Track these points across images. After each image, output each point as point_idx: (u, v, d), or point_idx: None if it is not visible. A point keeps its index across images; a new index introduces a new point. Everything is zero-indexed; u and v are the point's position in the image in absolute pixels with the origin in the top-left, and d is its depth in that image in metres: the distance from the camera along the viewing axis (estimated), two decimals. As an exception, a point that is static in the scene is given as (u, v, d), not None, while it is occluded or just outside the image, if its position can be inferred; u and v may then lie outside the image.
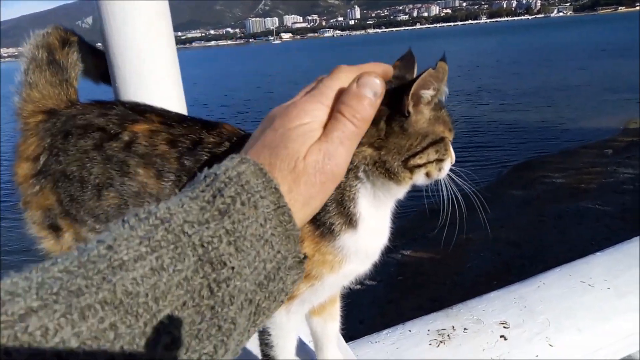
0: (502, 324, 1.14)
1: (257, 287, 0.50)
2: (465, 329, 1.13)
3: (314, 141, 0.58)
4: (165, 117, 0.82)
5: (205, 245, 0.46)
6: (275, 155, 0.56)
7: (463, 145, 15.59)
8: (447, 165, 0.77)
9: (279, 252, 0.52)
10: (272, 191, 0.52)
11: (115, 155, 0.77)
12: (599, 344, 1.15)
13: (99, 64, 1.09)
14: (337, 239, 0.71)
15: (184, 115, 0.85)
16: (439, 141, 0.72)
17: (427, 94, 0.69)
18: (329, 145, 0.58)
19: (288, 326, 0.76)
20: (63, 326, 0.38)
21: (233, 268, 0.48)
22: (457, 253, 8.15)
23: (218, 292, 0.46)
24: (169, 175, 0.76)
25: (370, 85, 0.60)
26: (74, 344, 0.38)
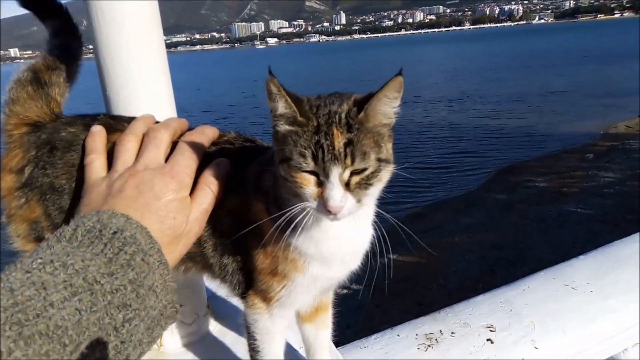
0: (489, 327, 1.16)
1: (146, 331, 0.61)
2: (452, 332, 1.15)
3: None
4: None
5: (114, 292, 0.57)
6: (161, 221, 0.70)
7: (447, 151, 15.75)
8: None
9: (161, 301, 0.63)
10: (156, 251, 0.64)
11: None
12: (584, 346, 1.17)
13: None
14: (292, 239, 0.72)
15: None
16: None
17: None
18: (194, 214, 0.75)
19: (273, 330, 0.77)
20: (13, 349, 0.47)
21: (135, 310, 0.58)
22: (443, 257, 8.21)
23: (122, 330, 0.57)
24: None
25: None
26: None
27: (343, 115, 0.67)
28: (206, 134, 0.83)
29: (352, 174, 0.67)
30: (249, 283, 0.77)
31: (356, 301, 7.22)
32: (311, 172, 0.67)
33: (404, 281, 7.58)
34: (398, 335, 1.15)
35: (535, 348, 1.12)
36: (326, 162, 0.65)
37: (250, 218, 0.74)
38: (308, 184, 0.67)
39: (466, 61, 51.80)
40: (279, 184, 0.71)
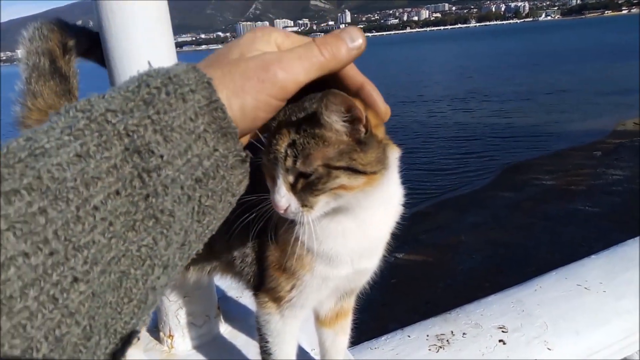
0: (501, 328, 1.15)
1: (195, 183, 0.49)
2: (464, 333, 1.14)
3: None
4: None
5: (131, 134, 0.44)
6: (220, 62, 0.56)
7: (453, 149, 15.69)
8: None
9: (216, 149, 0.50)
10: (205, 86, 0.50)
11: None
12: (597, 347, 1.15)
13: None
14: (299, 233, 0.71)
15: None
16: None
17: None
18: (286, 53, 0.57)
19: (284, 332, 0.76)
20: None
21: (162, 156, 0.46)
22: (449, 255, 8.18)
23: (149, 181, 0.45)
24: None
25: (352, 34, 0.61)
26: (2, 226, 0.36)
27: (300, 121, 0.65)
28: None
29: (300, 177, 0.65)
30: (262, 279, 0.76)
31: (363, 301, 7.16)
32: (271, 170, 0.67)
33: (411, 280, 7.56)
34: (409, 336, 1.14)
35: (549, 349, 1.10)
36: (271, 161, 0.66)
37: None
38: (269, 178, 0.68)
39: (472, 59, 51.55)
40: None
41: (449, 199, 11.51)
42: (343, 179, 0.65)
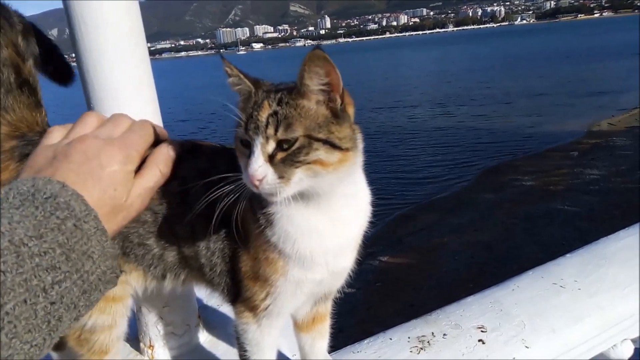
0: (480, 328, 1.17)
1: (82, 295, 0.61)
2: (444, 334, 1.15)
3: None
4: None
5: (42, 254, 0.56)
6: (103, 190, 0.70)
7: (434, 153, 15.87)
8: None
9: (99, 266, 0.63)
10: (92, 218, 0.64)
11: None
12: (573, 343, 1.18)
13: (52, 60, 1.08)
14: (271, 236, 0.73)
15: None
16: None
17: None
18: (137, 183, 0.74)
19: (262, 341, 0.76)
20: None
21: (65, 272, 0.58)
22: (433, 257, 8.26)
23: (51, 292, 0.56)
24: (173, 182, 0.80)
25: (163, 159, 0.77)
26: None
27: (279, 94, 0.69)
28: (159, 129, 0.82)
29: (279, 149, 0.67)
30: (237, 291, 0.77)
31: (348, 304, 7.21)
32: (246, 145, 0.69)
33: (395, 283, 7.60)
34: (390, 339, 1.15)
35: (526, 347, 1.13)
36: (249, 131, 0.68)
37: (237, 217, 0.74)
38: (243, 155, 0.69)
39: (450, 63, 52.25)
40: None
41: (431, 202, 11.60)
42: (321, 152, 0.66)
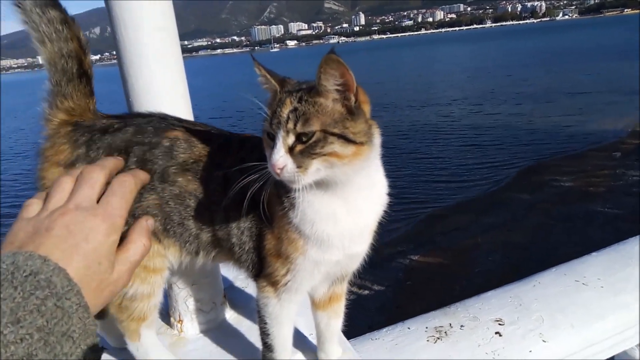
0: (497, 321, 1.19)
1: None
2: (462, 326, 1.18)
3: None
4: (187, 125, 0.94)
5: (19, 341, 0.54)
6: (87, 266, 0.68)
7: (470, 149, 15.57)
8: None
9: (79, 346, 0.61)
10: (75, 293, 0.62)
11: (155, 162, 0.89)
12: (593, 340, 1.18)
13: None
14: (293, 218, 0.79)
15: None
16: None
17: None
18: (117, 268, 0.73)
19: (281, 315, 0.83)
20: None
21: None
22: (465, 257, 8.13)
23: None
24: (202, 172, 0.88)
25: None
26: None
27: (301, 92, 0.76)
28: (138, 175, 0.80)
29: (298, 142, 0.73)
30: (261, 267, 0.83)
31: (377, 302, 7.21)
32: (271, 138, 0.76)
33: (426, 282, 7.53)
34: (409, 328, 1.19)
35: (544, 341, 1.14)
36: (273, 125, 0.75)
37: (264, 201, 0.81)
38: (268, 146, 0.76)
39: (487, 60, 50.95)
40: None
41: (465, 201, 11.40)
42: (336, 145, 0.73)
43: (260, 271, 0.84)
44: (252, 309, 0.91)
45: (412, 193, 12.23)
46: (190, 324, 0.94)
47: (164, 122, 0.93)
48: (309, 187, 0.75)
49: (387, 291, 6.99)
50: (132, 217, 0.86)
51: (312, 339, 0.96)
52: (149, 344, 0.88)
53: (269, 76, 0.80)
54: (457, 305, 1.28)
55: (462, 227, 9.53)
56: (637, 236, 1.56)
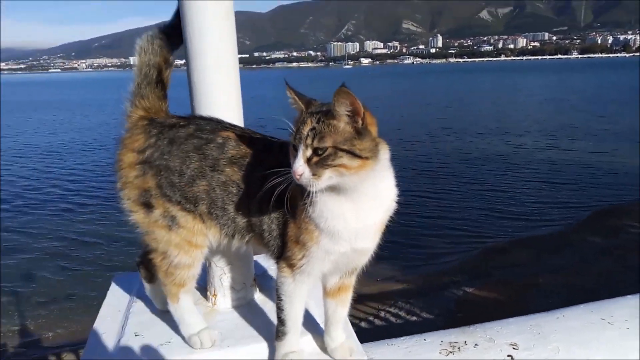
0: (512, 345, 1.23)
1: None
2: (476, 344, 1.23)
3: None
4: (237, 128, 1.13)
5: None
6: None
7: (538, 186, 14.89)
8: None
9: None
10: None
11: (209, 154, 1.06)
12: (609, 378, 1.19)
13: None
14: (311, 213, 0.95)
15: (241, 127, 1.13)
16: None
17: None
18: None
19: (294, 294, 1.00)
20: None
21: None
22: (522, 295, 7.79)
23: None
24: (246, 167, 1.05)
25: None
26: None
27: (319, 114, 0.92)
28: None
29: (314, 154, 0.90)
30: (283, 251, 0.97)
31: (423, 330, 7.04)
32: (295, 149, 0.92)
33: (477, 316, 7.26)
34: (425, 340, 1.26)
35: (556, 371, 1.16)
36: (296, 139, 0.91)
37: (288, 197, 0.97)
38: (292, 156, 0.92)
39: (570, 93, 48.48)
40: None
41: (527, 238, 10.94)
42: (344, 159, 0.90)
43: (281, 254, 0.98)
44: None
45: (472, 224, 11.92)
46: (222, 299, 1.09)
47: (219, 124, 1.11)
48: (324, 190, 0.91)
49: (436, 320, 6.85)
50: (185, 199, 1.02)
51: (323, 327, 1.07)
52: (185, 307, 1.04)
53: (297, 98, 0.97)
54: (476, 325, 1.33)
55: (523, 264, 9.13)
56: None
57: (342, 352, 1.03)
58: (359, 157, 0.90)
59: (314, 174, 0.89)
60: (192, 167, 1.05)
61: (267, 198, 0.98)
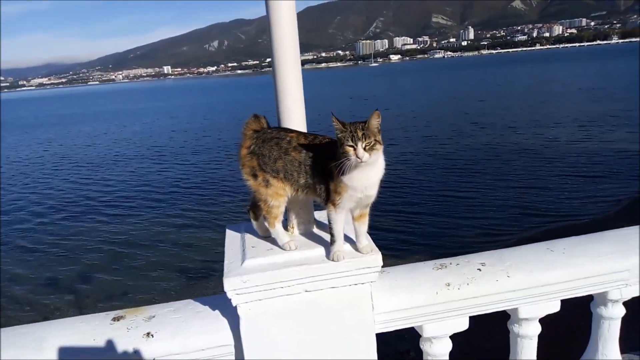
0: (481, 263, 1.85)
1: None
2: (457, 264, 1.86)
3: None
4: (298, 132, 1.81)
5: None
6: None
7: (574, 174, 14.87)
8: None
9: None
10: None
11: (282, 147, 1.74)
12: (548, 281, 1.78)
13: None
14: (342, 176, 1.62)
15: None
16: None
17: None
18: None
19: (337, 218, 1.69)
20: None
21: None
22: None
23: None
24: (303, 152, 1.71)
25: None
26: None
27: (361, 125, 1.58)
28: None
29: (366, 145, 1.56)
30: (328, 197, 1.67)
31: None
32: (350, 146, 1.57)
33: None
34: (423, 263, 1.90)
35: (508, 276, 1.78)
36: (357, 140, 1.56)
37: (332, 167, 1.64)
38: (350, 150, 1.56)
39: (609, 80, 46.87)
40: (338, 154, 1.60)
41: (561, 227, 11.08)
42: (377, 145, 1.57)
43: (327, 199, 1.68)
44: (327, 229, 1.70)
45: (501, 214, 12.16)
46: (296, 229, 1.81)
47: (289, 130, 1.79)
48: (355, 166, 1.58)
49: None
50: (272, 170, 1.72)
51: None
52: (279, 230, 1.73)
53: (339, 124, 1.60)
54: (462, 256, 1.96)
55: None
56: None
57: (366, 249, 1.69)
58: (380, 144, 1.59)
59: (369, 155, 1.53)
60: (274, 154, 1.74)
61: (316, 169, 1.67)
